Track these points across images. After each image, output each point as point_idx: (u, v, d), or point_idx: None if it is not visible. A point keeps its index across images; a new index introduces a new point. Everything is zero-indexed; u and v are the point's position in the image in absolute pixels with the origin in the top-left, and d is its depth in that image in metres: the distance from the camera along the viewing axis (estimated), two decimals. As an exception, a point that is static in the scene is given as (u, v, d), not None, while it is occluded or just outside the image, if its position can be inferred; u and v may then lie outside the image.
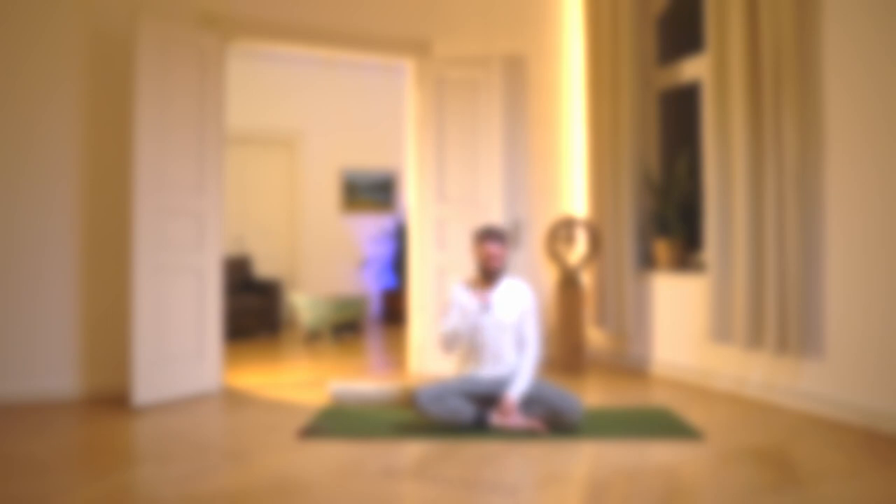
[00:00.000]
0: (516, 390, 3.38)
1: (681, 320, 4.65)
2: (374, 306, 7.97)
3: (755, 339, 3.97)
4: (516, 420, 3.36)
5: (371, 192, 8.13)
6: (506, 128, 5.01)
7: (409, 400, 3.63)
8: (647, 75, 5.05)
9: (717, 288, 4.17)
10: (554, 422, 3.36)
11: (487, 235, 3.55)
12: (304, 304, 6.34)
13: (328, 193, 7.98)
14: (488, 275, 3.54)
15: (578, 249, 5.23)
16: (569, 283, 5.01)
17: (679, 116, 5.05)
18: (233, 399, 4.15)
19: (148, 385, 3.93)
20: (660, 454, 3.06)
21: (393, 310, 7.64)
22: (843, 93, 3.60)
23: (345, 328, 6.58)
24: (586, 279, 5.27)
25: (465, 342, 3.51)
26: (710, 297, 4.20)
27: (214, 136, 4.29)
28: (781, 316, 3.81)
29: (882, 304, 3.43)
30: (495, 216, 4.78)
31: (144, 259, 3.94)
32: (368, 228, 8.07)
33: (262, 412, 3.83)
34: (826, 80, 3.68)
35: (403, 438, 3.29)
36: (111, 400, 4.05)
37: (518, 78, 5.25)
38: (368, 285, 8.02)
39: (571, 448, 3.16)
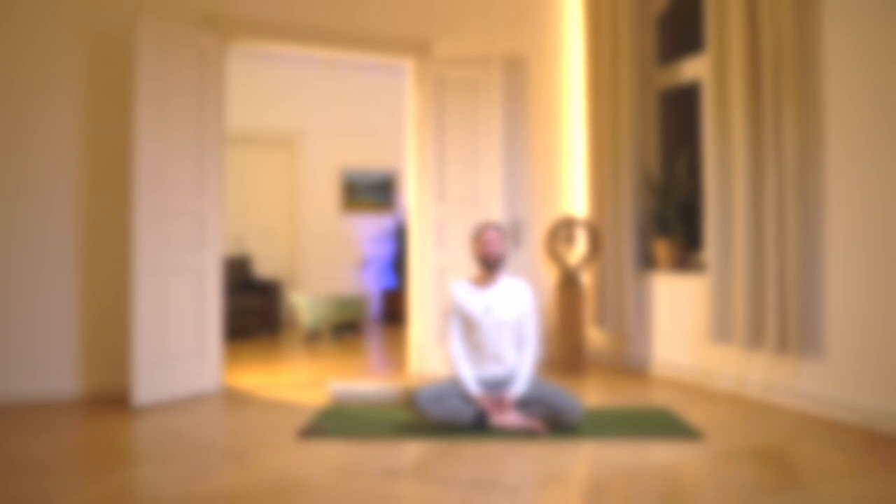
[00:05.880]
0: (516, 389, 3.39)
1: (681, 320, 4.65)
2: (374, 306, 7.97)
3: (755, 339, 3.97)
4: (515, 420, 3.36)
5: (371, 192, 8.13)
6: (506, 128, 5.01)
7: (408, 400, 3.63)
8: (647, 75, 5.05)
9: (717, 288, 4.17)
10: (554, 421, 3.35)
11: (484, 227, 3.60)
12: (304, 304, 6.34)
13: (328, 193, 7.98)
14: (488, 263, 3.52)
15: (578, 249, 5.23)
16: (569, 283, 5.01)
17: (679, 116, 5.05)
18: (233, 399, 4.15)
19: (148, 385, 3.94)
20: (660, 454, 3.06)
21: (393, 310, 7.64)
22: (843, 93, 3.60)
23: (345, 328, 6.59)
24: (586, 279, 5.27)
25: (468, 345, 3.52)
26: (710, 297, 4.20)
27: (214, 136, 4.29)
28: (781, 316, 3.81)
29: (882, 304, 3.43)
30: (495, 216, 4.78)
31: (144, 259, 3.94)
32: (368, 228, 8.07)
33: (262, 412, 3.83)
34: (826, 80, 3.68)
35: (403, 438, 3.29)
36: (111, 400, 4.06)
37: (518, 78, 5.25)
38: (368, 285, 8.02)
39: (571, 448, 3.16)
